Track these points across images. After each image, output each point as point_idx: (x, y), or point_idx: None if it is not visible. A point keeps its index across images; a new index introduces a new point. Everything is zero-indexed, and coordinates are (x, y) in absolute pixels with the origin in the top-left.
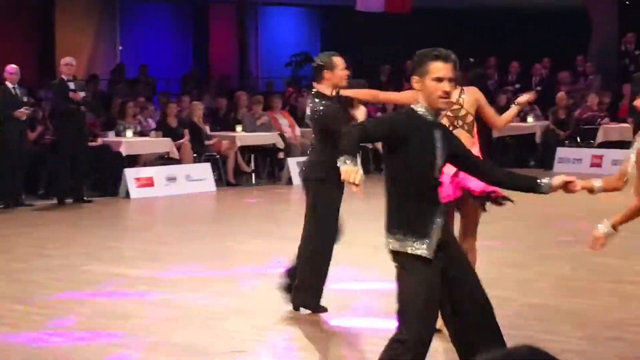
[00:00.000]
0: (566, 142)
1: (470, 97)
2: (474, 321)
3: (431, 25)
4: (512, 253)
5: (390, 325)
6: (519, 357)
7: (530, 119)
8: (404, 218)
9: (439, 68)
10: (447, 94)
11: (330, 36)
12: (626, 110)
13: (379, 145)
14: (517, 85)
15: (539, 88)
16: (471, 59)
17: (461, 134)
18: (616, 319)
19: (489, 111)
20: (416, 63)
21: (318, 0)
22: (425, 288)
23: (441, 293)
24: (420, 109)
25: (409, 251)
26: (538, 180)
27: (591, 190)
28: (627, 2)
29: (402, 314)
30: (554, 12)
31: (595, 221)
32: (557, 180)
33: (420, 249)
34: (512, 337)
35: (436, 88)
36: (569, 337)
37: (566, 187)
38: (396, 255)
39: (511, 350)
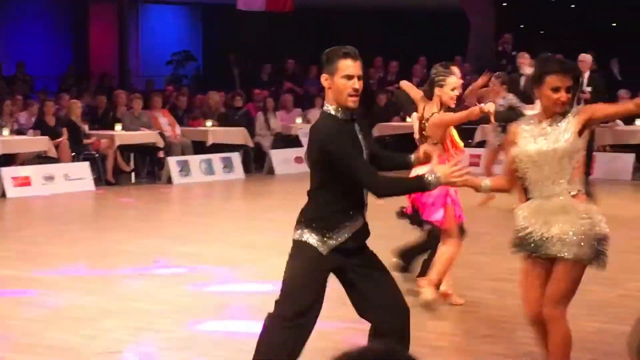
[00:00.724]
0: None
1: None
2: (380, 324)
3: (313, 24)
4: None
5: None
6: (373, 356)
7: (409, 119)
8: (319, 215)
9: (348, 66)
10: (357, 92)
11: (212, 35)
12: None
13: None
14: (397, 86)
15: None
16: None
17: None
18: (491, 315)
19: None
20: (325, 61)
21: None
22: (306, 273)
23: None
24: (332, 110)
25: (306, 240)
26: (408, 156)
27: (477, 189)
28: (505, 4)
29: (281, 293)
30: (432, 13)
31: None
32: (420, 151)
33: (318, 242)
34: None
35: (345, 86)
36: (445, 334)
37: (426, 157)
38: (295, 242)
39: (366, 349)
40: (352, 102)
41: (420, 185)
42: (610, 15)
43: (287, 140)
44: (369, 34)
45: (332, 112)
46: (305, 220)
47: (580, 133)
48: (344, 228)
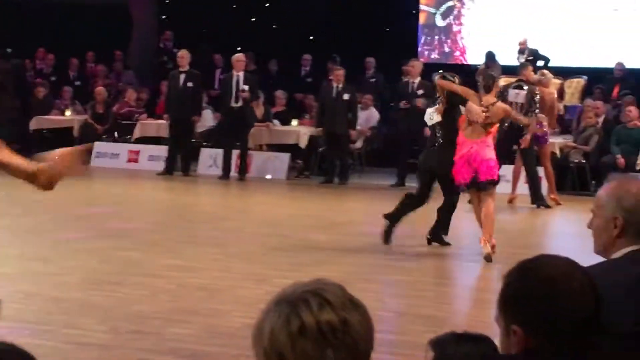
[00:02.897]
0: (104, 136)
1: None
2: None
3: None
4: (38, 247)
5: None
6: None
7: (68, 113)
8: None
9: None
10: None
11: None
12: (163, 107)
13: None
14: (53, 78)
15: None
16: (8, 50)
17: None
18: (139, 311)
19: None
20: None
21: None
22: None
23: None
24: None
25: None
26: None
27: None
28: (167, 1)
29: None
30: (92, 6)
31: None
32: None
33: None
34: (39, 332)
35: None
36: (92, 331)
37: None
38: None
39: None
40: None
41: None
42: (271, 17)
43: None
44: (29, 25)
45: None
46: None
47: None
48: None
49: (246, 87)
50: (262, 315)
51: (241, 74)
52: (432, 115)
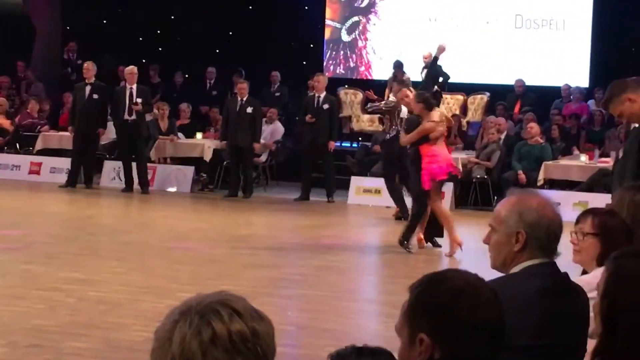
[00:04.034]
0: (5, 148)
1: None
2: None
3: None
4: None
5: None
6: None
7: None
8: None
9: None
10: None
11: None
12: (66, 119)
13: None
14: None
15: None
16: None
17: None
18: (38, 325)
19: None
20: None
21: None
22: None
23: None
24: None
25: None
26: None
27: None
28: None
29: None
30: None
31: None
32: None
33: None
34: None
35: None
36: None
37: None
38: None
39: None
40: None
41: None
42: (176, 29)
43: None
44: None
45: None
46: None
47: None
48: None
49: (139, 100)
50: (167, 324)
51: (134, 86)
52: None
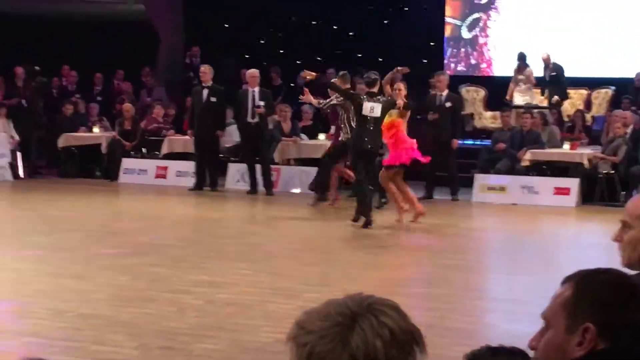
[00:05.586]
0: (132, 152)
1: None
2: None
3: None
4: (71, 264)
5: None
6: None
7: (96, 130)
8: None
9: None
10: None
11: None
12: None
13: None
14: (78, 95)
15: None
16: (36, 67)
17: None
18: (168, 327)
19: None
20: None
21: None
22: None
23: None
24: None
25: None
26: None
27: None
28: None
29: None
30: (118, 22)
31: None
32: None
33: None
34: (66, 349)
35: None
36: (121, 347)
37: None
38: None
39: None
40: None
41: None
42: (300, 31)
43: None
44: (54, 43)
45: None
46: None
47: None
48: None
49: (262, 103)
50: (326, 328)
51: (256, 89)
52: (375, 110)
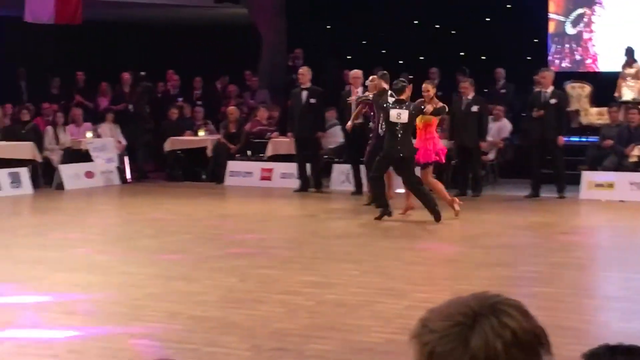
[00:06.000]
0: (237, 155)
1: None
2: None
3: (101, 37)
4: (180, 266)
5: (55, 335)
6: None
7: (201, 133)
8: None
9: None
10: None
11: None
12: None
13: None
14: (180, 99)
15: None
16: (142, 73)
17: None
18: (279, 329)
19: None
20: None
21: None
22: None
23: None
24: None
25: None
26: None
27: None
28: (296, 18)
29: None
30: (221, 26)
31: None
32: None
33: None
34: (180, 351)
35: None
36: (234, 349)
37: None
38: None
39: None
40: None
41: None
42: (401, 31)
43: (77, 155)
44: (158, 48)
45: None
46: None
47: None
48: None
49: None
50: (447, 328)
51: (359, 90)
52: (402, 116)
